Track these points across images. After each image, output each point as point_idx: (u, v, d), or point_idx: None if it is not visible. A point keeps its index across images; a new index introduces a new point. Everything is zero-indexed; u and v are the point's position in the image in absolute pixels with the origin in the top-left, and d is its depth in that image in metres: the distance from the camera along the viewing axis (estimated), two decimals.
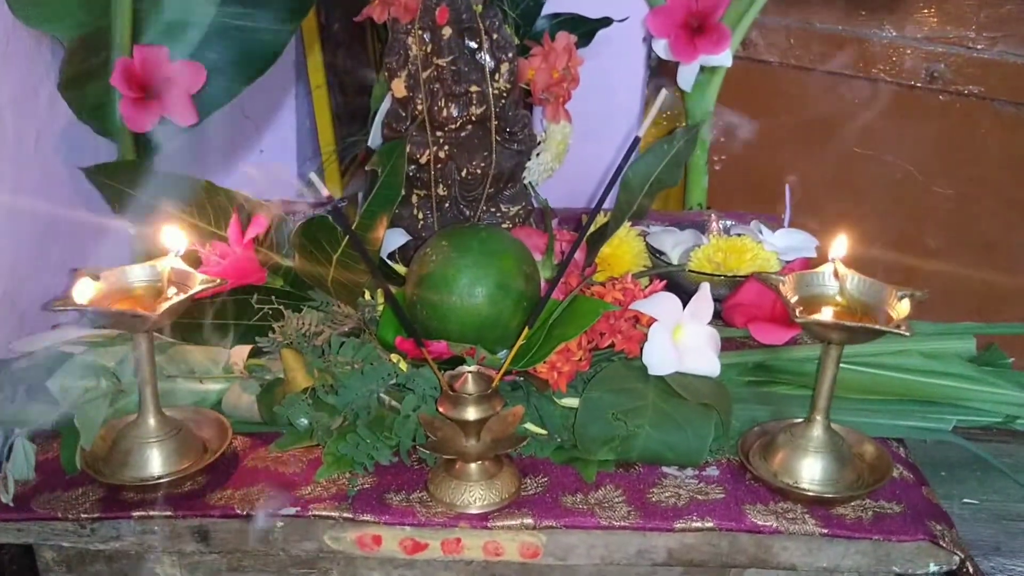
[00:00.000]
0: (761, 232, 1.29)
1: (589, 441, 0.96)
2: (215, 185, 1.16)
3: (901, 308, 0.90)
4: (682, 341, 1.03)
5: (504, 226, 1.23)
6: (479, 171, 1.19)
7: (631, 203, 1.15)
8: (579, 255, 1.15)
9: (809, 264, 1.23)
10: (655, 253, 1.28)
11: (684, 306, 1.03)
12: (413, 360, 1.01)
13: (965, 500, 1.29)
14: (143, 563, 0.94)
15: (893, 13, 1.58)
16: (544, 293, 1.03)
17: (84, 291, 0.91)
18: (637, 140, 0.91)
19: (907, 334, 0.86)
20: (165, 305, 0.89)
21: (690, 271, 1.22)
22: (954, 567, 0.88)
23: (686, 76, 1.40)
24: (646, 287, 1.07)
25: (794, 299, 0.94)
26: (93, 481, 0.93)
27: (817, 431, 0.93)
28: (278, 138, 1.76)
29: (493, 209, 1.23)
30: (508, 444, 0.92)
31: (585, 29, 1.46)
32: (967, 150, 1.58)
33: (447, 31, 1.14)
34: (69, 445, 0.95)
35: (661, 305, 1.03)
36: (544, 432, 0.99)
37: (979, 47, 1.53)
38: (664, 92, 0.93)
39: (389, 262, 1.20)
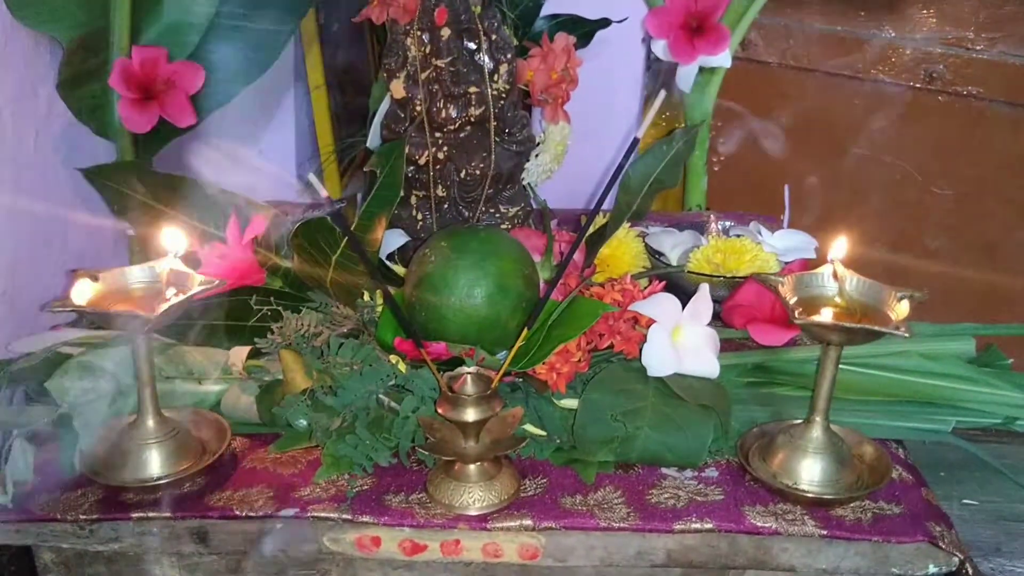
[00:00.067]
0: (760, 233, 1.29)
1: (588, 442, 0.96)
2: (214, 185, 1.16)
3: (900, 309, 0.90)
4: (681, 342, 1.03)
5: (503, 227, 1.23)
6: (478, 172, 1.19)
7: (630, 204, 1.15)
8: (578, 256, 1.15)
9: (808, 265, 1.23)
10: (654, 254, 1.28)
11: (683, 307, 1.03)
12: (412, 361, 1.01)
13: (965, 501, 1.29)
14: (142, 564, 0.94)
15: (892, 14, 1.58)
16: (543, 294, 1.03)
17: (83, 292, 0.91)
18: (636, 141, 0.91)
19: (906, 335, 0.86)
20: (164, 306, 0.89)
21: (689, 272, 1.22)
22: (953, 568, 0.88)
23: (685, 77, 1.40)
24: (645, 288, 1.07)
25: (793, 300, 0.94)
26: (92, 482, 0.93)
27: (816, 432, 0.93)
28: (277, 139, 1.76)
29: (492, 210, 1.23)
30: (507, 445, 0.92)
31: (584, 30, 1.46)
32: (966, 151, 1.58)
33: (446, 32, 1.14)
34: (68, 446, 0.95)
35: (660, 306, 1.03)
36: (543, 433, 0.99)
37: (978, 48, 1.53)
38: (663, 93, 0.93)
39: (388, 263, 1.20)
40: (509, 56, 1.16)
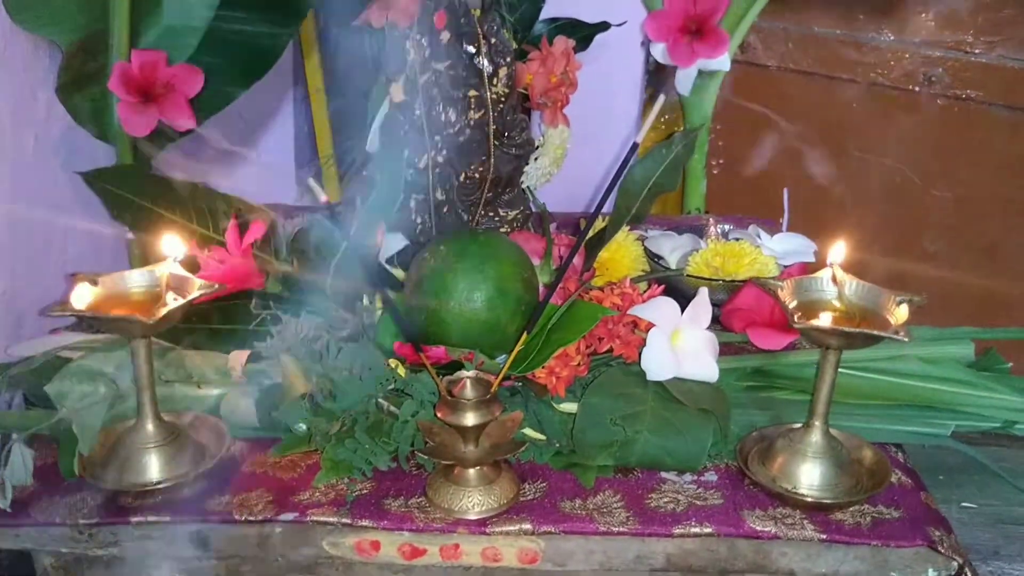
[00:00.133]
0: (759, 236, 1.29)
1: (588, 446, 0.96)
2: (213, 190, 1.16)
3: (899, 313, 0.90)
4: (680, 346, 1.03)
5: (502, 230, 1.22)
6: (477, 175, 1.19)
7: (629, 208, 1.15)
8: (577, 260, 1.15)
9: (807, 268, 1.23)
10: (653, 257, 1.28)
11: (682, 311, 1.03)
12: (411, 365, 1.01)
13: (964, 504, 1.29)
14: (142, 569, 0.94)
15: (891, 17, 1.58)
16: (542, 298, 1.03)
17: (82, 296, 0.91)
18: (636, 146, 0.91)
19: (906, 339, 0.86)
20: (163, 310, 0.89)
21: (688, 275, 1.22)
22: (953, 572, 0.88)
23: (684, 80, 1.40)
24: (644, 292, 1.07)
25: (792, 304, 0.94)
26: (91, 487, 0.93)
27: (816, 436, 0.93)
28: (276, 142, 1.76)
29: (491, 213, 1.23)
30: (507, 449, 0.92)
31: (583, 33, 1.46)
32: (965, 154, 1.58)
33: (445, 35, 1.14)
34: (67, 450, 0.95)
35: (659, 310, 1.03)
36: (543, 437, 0.99)
37: (977, 51, 1.54)
38: (662, 97, 0.93)
39: (387, 267, 1.20)
40: (508, 60, 1.16)
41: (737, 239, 1.28)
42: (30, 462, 0.94)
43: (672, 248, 1.31)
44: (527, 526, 0.89)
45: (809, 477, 0.92)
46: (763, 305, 1.13)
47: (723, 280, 1.20)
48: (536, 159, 1.25)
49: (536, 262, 1.12)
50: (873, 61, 1.59)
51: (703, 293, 1.04)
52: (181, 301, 0.91)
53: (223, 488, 0.94)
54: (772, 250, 1.26)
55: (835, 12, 1.61)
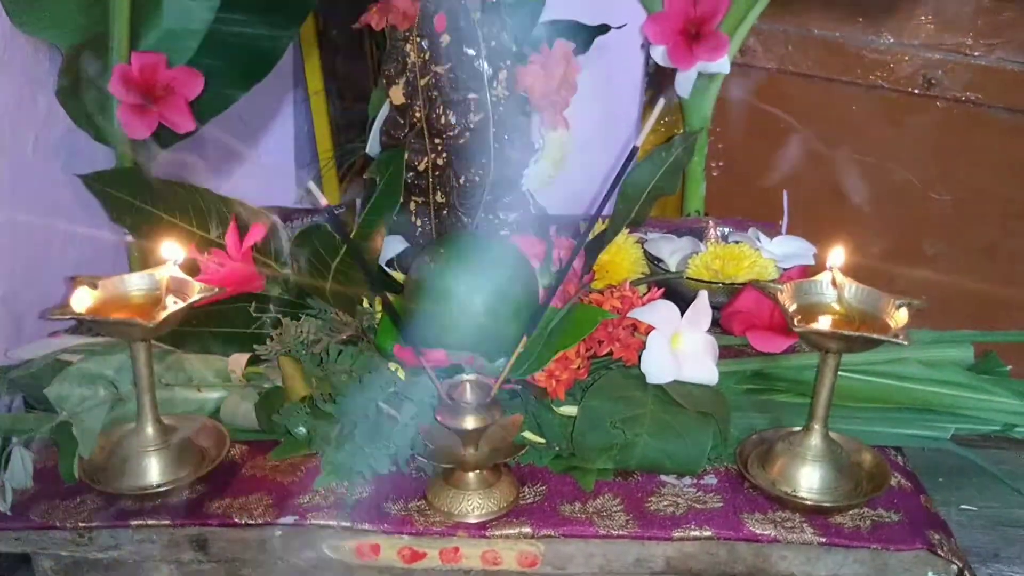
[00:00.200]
0: (759, 239, 1.29)
1: (587, 449, 0.96)
2: (213, 192, 1.16)
3: (899, 317, 0.90)
4: (680, 349, 1.03)
5: (502, 233, 1.22)
6: (477, 178, 1.19)
7: (629, 211, 1.15)
8: (577, 262, 1.15)
9: (807, 271, 1.23)
10: (653, 260, 1.28)
11: (682, 314, 1.03)
12: (411, 368, 1.01)
13: (963, 506, 1.30)
14: (141, 572, 0.94)
15: (891, 20, 1.58)
16: (542, 301, 1.03)
17: (82, 299, 0.91)
18: (635, 149, 0.91)
19: (905, 343, 0.86)
20: (163, 314, 0.89)
21: (688, 278, 1.22)
22: None
23: (684, 83, 1.40)
24: (644, 295, 1.07)
25: (792, 307, 0.94)
26: (91, 490, 0.93)
27: (815, 440, 0.93)
28: (276, 144, 1.75)
29: (491, 216, 1.23)
30: (506, 453, 0.92)
31: (583, 36, 1.46)
32: (965, 156, 1.58)
33: (445, 38, 1.14)
34: (67, 454, 0.95)
35: (659, 313, 1.03)
36: (542, 441, 0.99)
37: (976, 54, 1.54)
38: (662, 100, 0.93)
39: (387, 270, 1.20)
40: (508, 62, 1.16)
41: (737, 242, 1.28)
42: (30, 465, 0.95)
43: (672, 251, 1.31)
44: (527, 529, 0.89)
45: (809, 480, 0.92)
46: (763, 308, 1.13)
47: (723, 283, 1.20)
48: (536, 162, 1.25)
49: (536, 265, 1.12)
50: (873, 64, 1.59)
51: (703, 296, 1.04)
52: (181, 304, 0.91)
53: (223, 491, 0.94)
54: (772, 253, 1.26)
55: (835, 14, 1.61)
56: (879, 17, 1.58)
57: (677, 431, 0.96)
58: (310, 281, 1.09)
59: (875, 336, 0.88)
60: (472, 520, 0.90)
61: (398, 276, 1.18)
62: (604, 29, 1.49)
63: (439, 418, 0.90)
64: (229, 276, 1.06)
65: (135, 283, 0.95)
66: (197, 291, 0.93)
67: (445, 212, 1.22)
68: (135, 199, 1.15)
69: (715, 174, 1.70)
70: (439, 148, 1.18)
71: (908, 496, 0.95)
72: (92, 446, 0.96)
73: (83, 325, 1.13)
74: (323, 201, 0.85)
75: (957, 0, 1.55)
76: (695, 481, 0.95)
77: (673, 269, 1.28)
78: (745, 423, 1.02)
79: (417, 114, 1.16)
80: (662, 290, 1.07)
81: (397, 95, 1.16)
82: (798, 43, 1.63)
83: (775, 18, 1.58)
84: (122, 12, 1.22)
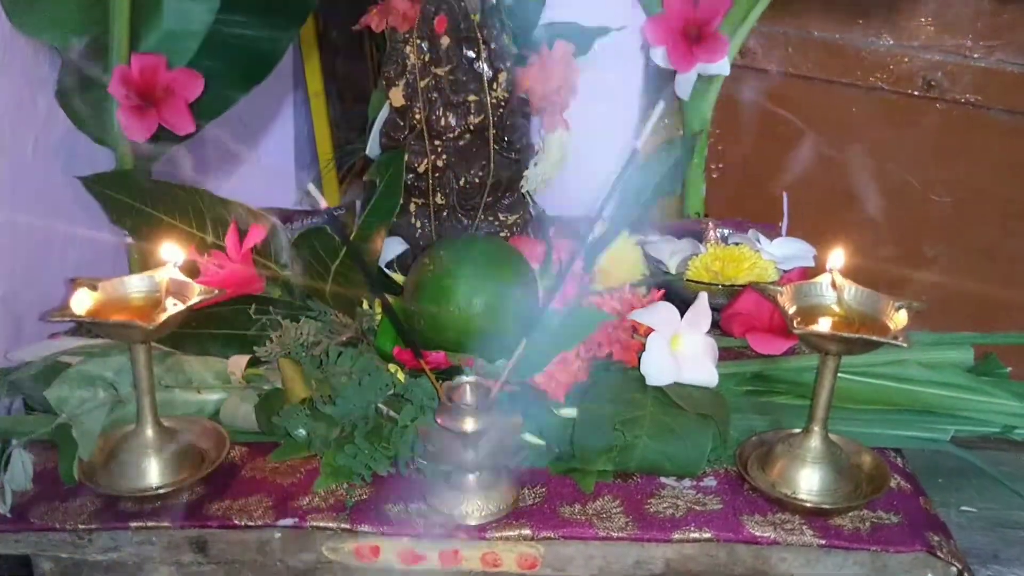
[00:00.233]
0: (759, 241, 1.29)
1: (587, 451, 0.96)
2: (213, 194, 1.16)
3: (899, 319, 0.90)
4: (680, 351, 1.03)
5: (502, 235, 1.23)
6: (477, 180, 1.19)
7: (629, 213, 1.15)
8: (577, 264, 1.15)
9: (807, 273, 1.23)
10: (653, 262, 1.28)
11: (682, 316, 1.03)
12: (411, 370, 1.01)
13: (963, 508, 1.30)
14: (141, 574, 0.94)
15: (890, 22, 1.58)
16: (542, 303, 1.03)
17: (82, 301, 0.91)
18: (635, 152, 0.91)
19: (905, 345, 0.86)
20: (163, 316, 0.89)
21: (688, 280, 1.22)
22: None
23: (684, 85, 1.40)
24: (644, 296, 1.07)
25: (792, 309, 0.94)
26: (91, 492, 0.93)
27: (815, 442, 0.93)
28: (276, 146, 1.75)
29: (491, 218, 1.23)
30: (506, 455, 0.92)
31: (583, 38, 1.46)
32: (964, 159, 1.58)
33: (445, 40, 1.14)
34: (67, 456, 0.95)
35: (659, 315, 1.03)
36: (542, 442, 0.99)
37: (976, 56, 1.53)
38: (662, 103, 0.93)
39: (387, 271, 1.20)
40: (508, 64, 1.16)
41: (737, 243, 1.28)
42: (30, 467, 0.94)
43: (671, 252, 1.31)
44: (527, 531, 0.89)
45: (808, 482, 0.92)
46: (762, 310, 1.13)
47: (722, 285, 1.20)
48: (536, 164, 1.25)
49: (536, 267, 1.12)
50: (873, 65, 1.59)
51: (702, 298, 1.04)
52: (181, 306, 0.91)
53: (222, 493, 0.94)
54: (772, 255, 1.26)
55: (835, 16, 1.61)
56: (879, 19, 1.58)
57: (677, 433, 0.96)
58: (310, 283, 1.09)
59: (875, 338, 0.88)
60: (472, 522, 0.90)
61: (398, 278, 1.18)
62: (604, 31, 1.49)
63: (439, 420, 0.90)
64: (229, 278, 1.06)
65: (135, 285, 0.95)
66: (197, 293, 0.93)
67: (445, 214, 1.22)
68: (135, 201, 1.15)
69: (715, 176, 1.69)
70: (439, 150, 1.18)
71: (908, 498, 0.95)
72: (92, 448, 0.96)
73: (83, 327, 1.13)
74: (323, 203, 0.85)
75: (957, 2, 1.55)
76: (695, 483, 0.95)
77: (673, 271, 1.27)
78: (745, 425, 1.02)
79: (417, 116, 1.16)
80: (662, 292, 1.07)
81: (397, 97, 1.16)
82: (798, 45, 1.63)
83: (775, 20, 1.58)
84: (122, 13, 1.22)
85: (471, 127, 1.17)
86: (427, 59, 1.15)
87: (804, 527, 0.89)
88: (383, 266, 1.19)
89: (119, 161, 1.27)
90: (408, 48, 1.15)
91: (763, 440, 0.99)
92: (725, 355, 1.10)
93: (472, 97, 1.16)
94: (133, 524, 0.90)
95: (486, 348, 1.03)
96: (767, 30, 1.61)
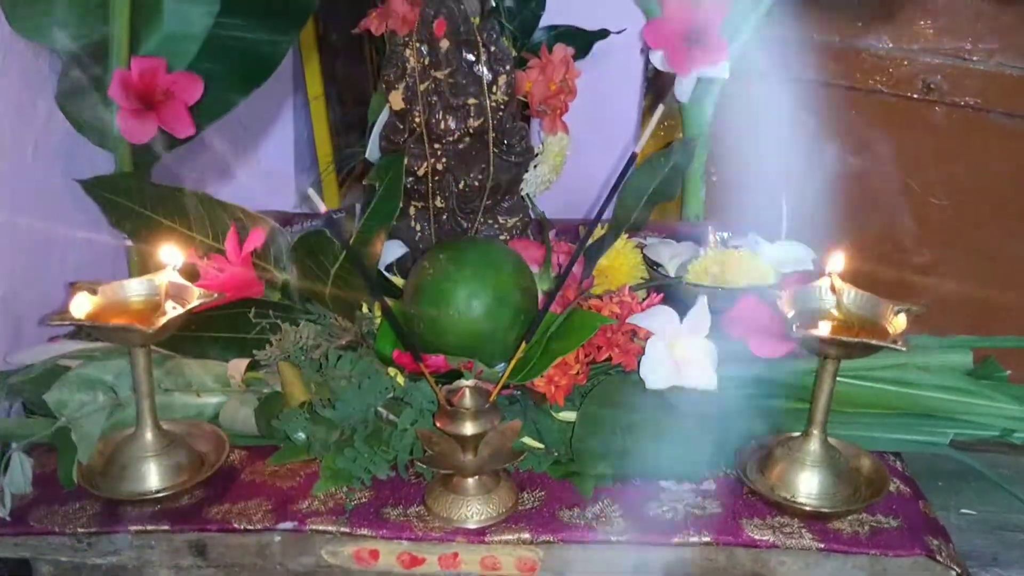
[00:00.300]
0: (758, 244, 1.29)
1: (586, 455, 0.96)
2: (212, 198, 1.16)
3: (898, 322, 0.91)
4: (679, 355, 1.03)
5: (501, 238, 1.23)
6: (477, 183, 1.19)
7: (628, 216, 1.15)
8: (577, 267, 1.15)
9: (806, 277, 1.23)
10: (652, 265, 1.28)
11: (681, 319, 1.03)
12: (411, 374, 1.01)
13: (963, 510, 1.29)
14: None
15: (890, 25, 1.58)
16: (542, 306, 1.03)
17: (81, 305, 0.91)
18: (634, 156, 0.91)
19: (903, 349, 0.86)
20: (163, 319, 0.89)
21: (687, 283, 1.22)
22: None
23: (683, 88, 1.40)
24: (643, 300, 1.07)
25: (791, 314, 0.94)
26: (90, 495, 0.93)
27: (814, 445, 0.93)
28: (276, 149, 1.75)
29: (491, 221, 1.23)
30: (505, 459, 0.92)
31: (583, 41, 1.46)
32: (964, 162, 1.58)
33: (445, 43, 1.14)
34: (66, 459, 0.95)
35: (658, 318, 1.03)
36: (542, 446, 0.99)
37: (975, 59, 1.54)
38: (661, 107, 0.93)
39: (387, 274, 1.20)
40: (508, 67, 1.16)
41: (736, 247, 1.28)
42: (29, 471, 0.95)
43: (671, 256, 1.30)
44: (526, 535, 0.89)
45: (807, 486, 0.92)
46: (762, 313, 1.13)
47: (722, 288, 1.20)
48: (535, 166, 1.25)
49: (535, 270, 1.13)
50: (872, 68, 1.59)
51: (702, 301, 1.04)
52: (180, 310, 0.92)
53: (222, 497, 0.94)
54: (771, 258, 1.26)
55: (834, 19, 1.61)
56: (879, 22, 1.58)
57: (676, 437, 0.96)
58: (309, 286, 1.09)
59: (874, 342, 0.88)
60: (471, 526, 0.90)
61: (398, 281, 1.18)
62: (603, 34, 1.49)
63: (438, 424, 0.90)
64: (228, 281, 1.06)
65: (134, 289, 0.95)
66: (196, 296, 0.94)
67: (444, 217, 1.22)
68: (134, 204, 1.15)
69: (714, 179, 1.69)
70: (438, 153, 1.18)
71: (907, 502, 0.95)
72: (91, 451, 0.96)
73: (82, 330, 1.13)
74: (322, 207, 0.85)
75: (956, 5, 1.55)
76: (694, 487, 0.95)
77: (672, 274, 1.27)
78: (744, 428, 1.01)
79: (417, 119, 1.16)
80: (661, 295, 1.07)
81: (397, 100, 1.16)
82: (798, 48, 1.63)
83: (775, 23, 1.58)
84: (122, 16, 1.22)
85: (471, 130, 1.17)
86: (427, 62, 1.15)
87: (803, 531, 0.89)
88: (383, 269, 1.19)
89: (119, 164, 1.27)
90: (408, 51, 1.15)
91: (762, 444, 0.99)
92: (724, 359, 1.10)
93: (472, 100, 1.16)
94: (132, 528, 0.90)
95: (485, 351, 1.03)
96: (767, 33, 1.61)
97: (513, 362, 0.95)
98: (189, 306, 0.92)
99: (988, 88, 1.53)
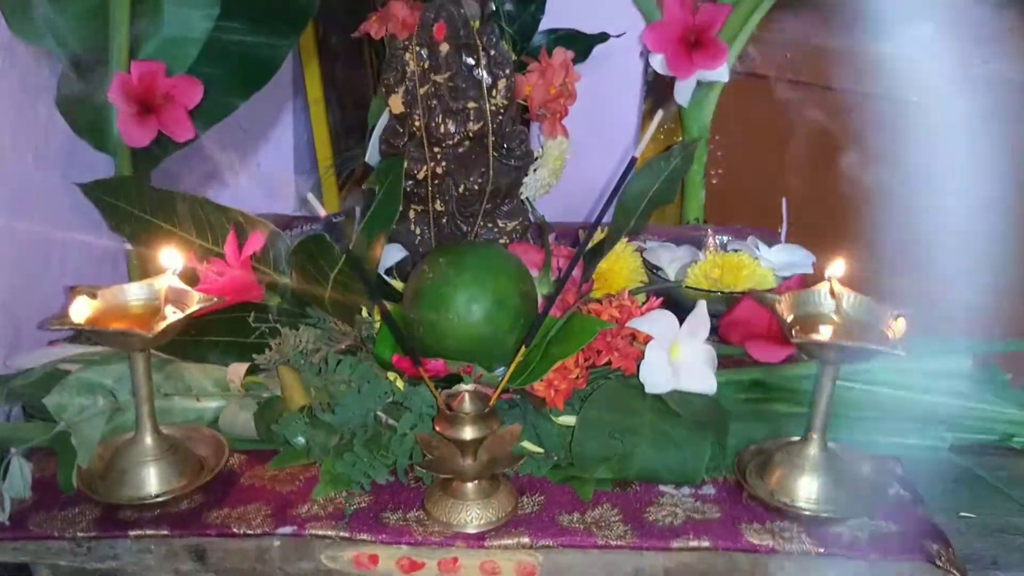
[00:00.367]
0: (758, 248, 1.29)
1: (586, 459, 0.96)
2: (212, 201, 1.16)
3: (897, 327, 0.91)
4: (679, 359, 1.03)
5: (501, 241, 1.23)
6: (476, 187, 1.19)
7: (628, 220, 1.15)
8: (576, 271, 1.15)
9: (806, 280, 1.23)
10: (652, 269, 1.28)
11: (681, 323, 1.03)
12: (410, 378, 1.01)
13: (962, 513, 1.29)
14: None
15: (890, 28, 1.58)
16: (541, 310, 1.03)
17: (81, 309, 0.91)
18: (634, 160, 0.91)
19: (903, 354, 0.86)
20: (162, 324, 0.89)
21: (687, 287, 1.22)
22: None
23: (683, 91, 1.41)
24: (643, 304, 1.07)
25: (790, 318, 0.94)
26: (89, 500, 0.93)
27: (813, 450, 0.93)
28: (276, 152, 1.76)
29: (490, 224, 1.23)
30: (505, 463, 0.92)
31: (582, 44, 1.47)
32: (963, 166, 1.58)
33: (444, 47, 1.14)
34: (66, 463, 0.95)
35: (658, 323, 1.03)
36: (541, 450, 0.99)
37: (976, 62, 1.54)
38: (660, 112, 0.93)
39: (387, 278, 1.20)
40: (508, 71, 1.16)
41: (736, 251, 1.28)
42: (28, 475, 0.94)
43: (671, 259, 1.31)
44: (525, 540, 0.89)
45: (807, 491, 0.92)
46: (761, 317, 1.13)
47: (721, 292, 1.20)
48: (535, 170, 1.25)
49: (535, 273, 1.13)
50: (871, 72, 1.59)
51: (701, 305, 1.04)
52: (180, 314, 0.91)
53: (221, 501, 0.94)
54: (770, 262, 1.26)
55: (834, 22, 1.61)
56: (878, 25, 1.58)
57: (676, 441, 0.96)
58: (309, 290, 1.09)
59: (873, 347, 0.88)
60: (471, 530, 0.90)
61: (397, 285, 1.18)
62: (603, 37, 1.50)
63: (438, 428, 0.90)
64: (228, 285, 1.06)
65: (134, 293, 0.95)
66: (196, 301, 0.93)
67: (444, 220, 1.22)
68: (134, 208, 1.15)
69: (714, 182, 1.70)
70: (438, 157, 1.18)
71: (906, 506, 0.94)
72: (90, 456, 0.96)
73: (82, 334, 1.13)
74: (322, 212, 0.85)
75: (956, 8, 1.55)
76: (693, 491, 0.95)
77: (672, 278, 1.27)
78: (743, 433, 1.01)
79: (416, 123, 1.16)
80: (661, 299, 1.07)
81: (396, 104, 1.16)
82: (797, 51, 1.63)
83: (774, 26, 1.58)
84: (122, 21, 1.22)
85: (470, 134, 1.17)
86: (426, 66, 1.15)
87: (803, 535, 0.89)
88: (382, 273, 1.19)
89: (118, 168, 1.27)
90: (407, 55, 1.15)
91: (762, 448, 0.99)
92: (724, 363, 1.10)
93: (471, 104, 1.16)
94: (132, 532, 0.90)
95: (485, 356, 1.03)
96: (766, 36, 1.61)
97: (513, 366, 0.95)
98: (189, 310, 0.92)
99: (988, 92, 1.53)
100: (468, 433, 0.89)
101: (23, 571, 0.96)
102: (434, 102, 1.16)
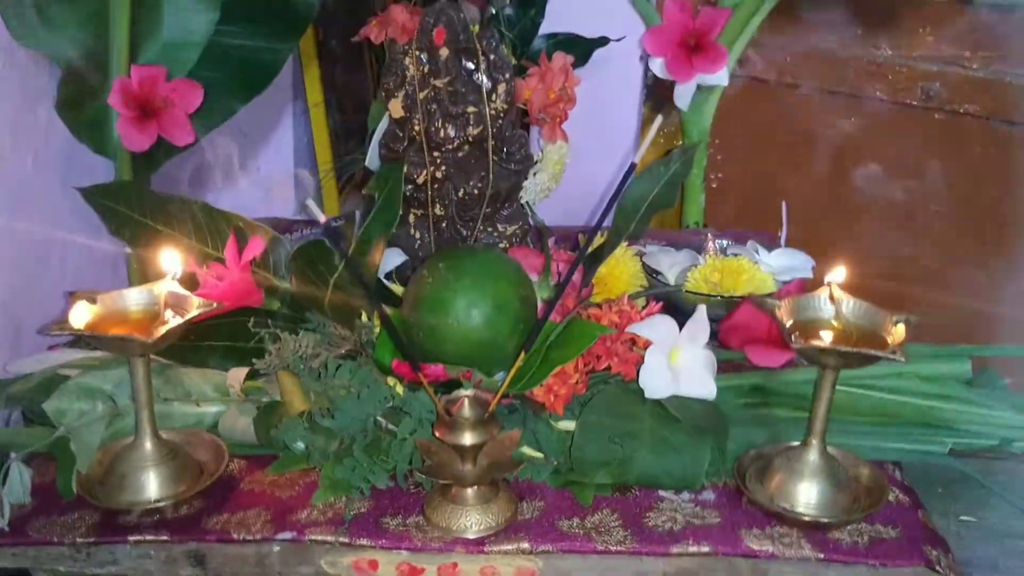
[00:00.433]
0: (758, 252, 1.29)
1: (586, 465, 0.96)
2: (211, 206, 1.16)
3: (897, 332, 0.91)
4: (678, 364, 1.03)
5: (501, 246, 1.23)
6: (476, 191, 1.19)
7: (628, 224, 1.15)
8: (576, 276, 1.15)
9: (806, 285, 1.23)
10: (651, 273, 1.28)
11: (680, 327, 1.03)
12: (410, 383, 1.01)
13: (962, 517, 1.29)
14: None
15: (889, 32, 1.58)
16: (541, 315, 1.03)
17: (81, 315, 0.91)
18: (633, 166, 0.91)
19: (902, 360, 0.86)
20: (162, 329, 0.89)
21: (687, 292, 1.22)
22: None
23: (683, 95, 1.41)
24: (642, 308, 1.07)
25: (790, 323, 0.94)
26: (89, 505, 0.93)
27: (813, 455, 0.93)
28: (276, 156, 1.76)
29: (490, 229, 1.23)
30: (505, 468, 0.92)
31: (582, 49, 1.47)
32: (962, 170, 1.58)
33: (444, 52, 1.14)
34: (65, 469, 0.95)
35: (657, 328, 1.03)
36: (541, 456, 0.99)
37: (975, 66, 1.54)
38: (660, 117, 0.93)
39: (386, 283, 1.20)
40: (507, 75, 1.16)
41: (735, 255, 1.28)
42: (28, 480, 0.94)
43: (670, 264, 1.31)
44: (525, 545, 0.89)
45: (807, 496, 0.92)
46: (761, 322, 1.13)
47: (721, 296, 1.20)
48: (535, 174, 1.25)
49: (534, 278, 1.12)
50: (871, 76, 1.59)
51: (701, 310, 1.04)
52: (179, 320, 0.91)
53: (221, 506, 0.94)
54: (770, 266, 1.26)
55: (834, 26, 1.61)
56: (878, 29, 1.59)
57: (675, 446, 0.96)
58: (309, 295, 1.09)
59: (872, 352, 0.88)
60: (470, 535, 0.90)
61: (397, 289, 1.18)
62: (603, 41, 1.50)
63: (437, 433, 0.90)
64: (228, 290, 1.06)
65: (134, 298, 0.95)
66: (196, 306, 0.93)
67: (444, 225, 1.22)
68: (134, 212, 1.15)
69: (714, 186, 1.70)
70: (438, 161, 1.18)
71: (906, 511, 0.94)
72: (90, 461, 0.96)
73: (82, 339, 1.13)
74: (321, 218, 0.85)
75: (955, 12, 1.55)
76: (693, 496, 0.95)
77: (672, 282, 1.28)
78: (743, 438, 1.01)
79: (416, 127, 1.16)
80: (660, 304, 1.07)
81: (396, 108, 1.17)
82: (797, 55, 1.63)
83: (774, 30, 1.58)
84: (122, 25, 1.22)
85: (470, 138, 1.17)
86: (426, 70, 1.15)
87: (802, 541, 0.89)
88: (382, 277, 1.19)
89: (118, 172, 1.27)
90: (407, 59, 1.15)
91: (761, 453, 0.99)
92: (723, 367, 1.09)
93: (471, 108, 1.16)
94: (131, 538, 0.90)
95: (484, 361, 1.03)
96: (766, 40, 1.62)
97: (512, 371, 0.95)
98: (188, 316, 0.92)
99: (987, 96, 1.53)
100: (468, 438, 0.89)
101: None
102: (434, 106, 1.16)
